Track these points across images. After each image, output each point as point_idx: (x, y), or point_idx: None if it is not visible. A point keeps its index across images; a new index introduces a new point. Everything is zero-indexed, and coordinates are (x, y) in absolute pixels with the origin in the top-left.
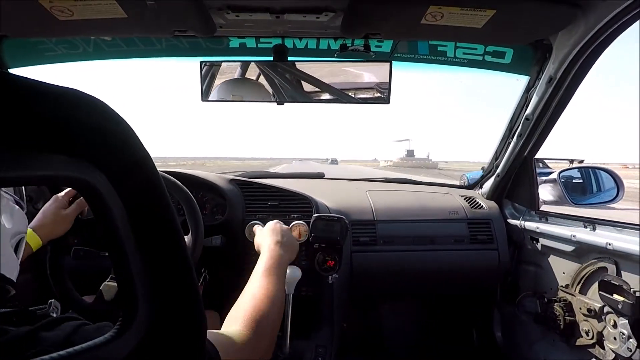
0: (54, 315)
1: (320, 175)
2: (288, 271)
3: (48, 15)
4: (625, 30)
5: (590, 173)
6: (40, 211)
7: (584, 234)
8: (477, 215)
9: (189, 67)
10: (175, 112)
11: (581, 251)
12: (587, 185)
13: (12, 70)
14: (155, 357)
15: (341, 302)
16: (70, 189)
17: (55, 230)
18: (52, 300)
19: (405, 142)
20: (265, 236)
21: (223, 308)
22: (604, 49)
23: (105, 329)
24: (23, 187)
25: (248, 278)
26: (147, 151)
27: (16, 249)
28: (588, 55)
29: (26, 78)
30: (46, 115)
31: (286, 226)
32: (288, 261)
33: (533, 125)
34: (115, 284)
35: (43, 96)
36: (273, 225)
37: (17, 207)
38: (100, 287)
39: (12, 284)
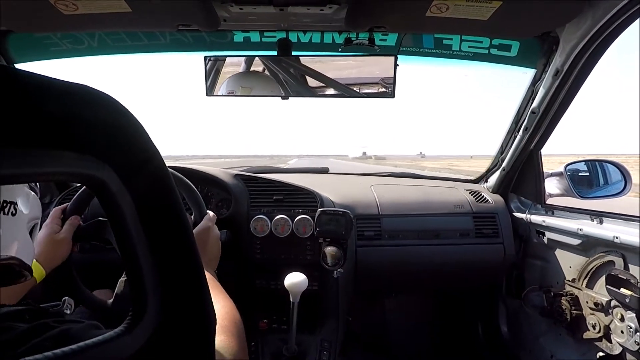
0: (68, 312)
1: (324, 170)
2: (294, 281)
3: (53, 10)
4: (633, 22)
5: (597, 166)
6: (36, 243)
7: (591, 228)
8: (482, 209)
9: (193, 62)
10: (180, 107)
11: (588, 245)
12: (593, 178)
13: (18, 66)
14: (165, 351)
15: (346, 296)
16: (55, 211)
17: (56, 256)
18: (66, 297)
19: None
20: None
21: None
22: (612, 42)
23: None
24: None
25: (251, 272)
26: (156, 147)
27: (31, 233)
28: (595, 48)
29: (34, 74)
30: (55, 111)
31: (204, 226)
32: (212, 269)
33: (539, 119)
34: None
35: (52, 92)
36: (205, 243)
37: (32, 192)
38: (117, 284)
39: (29, 270)
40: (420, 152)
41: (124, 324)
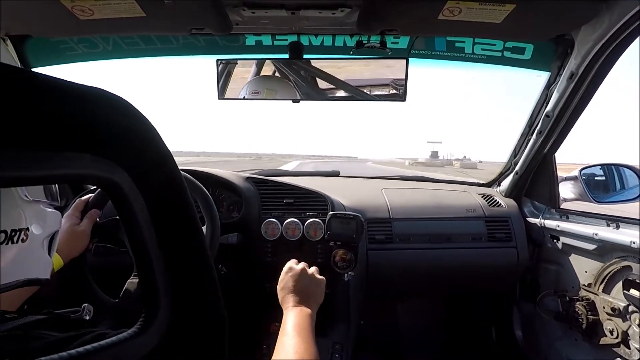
0: (87, 318)
1: (335, 173)
2: None
3: (69, 15)
4: None
5: (613, 170)
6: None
7: (607, 232)
8: (495, 213)
9: (205, 65)
10: (193, 109)
11: (604, 250)
12: (609, 182)
13: (35, 70)
14: (179, 351)
15: (357, 299)
16: (77, 203)
17: (75, 248)
18: (86, 304)
19: (433, 144)
20: (287, 293)
21: (237, 305)
22: (629, 44)
23: None
24: (54, 186)
25: (262, 275)
26: (168, 150)
27: (50, 243)
28: (612, 51)
29: (51, 77)
30: (70, 114)
31: (308, 271)
32: (314, 306)
33: (554, 122)
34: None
35: (67, 95)
36: (293, 279)
37: (49, 209)
38: (125, 285)
39: (47, 282)
40: (464, 156)
41: (138, 324)
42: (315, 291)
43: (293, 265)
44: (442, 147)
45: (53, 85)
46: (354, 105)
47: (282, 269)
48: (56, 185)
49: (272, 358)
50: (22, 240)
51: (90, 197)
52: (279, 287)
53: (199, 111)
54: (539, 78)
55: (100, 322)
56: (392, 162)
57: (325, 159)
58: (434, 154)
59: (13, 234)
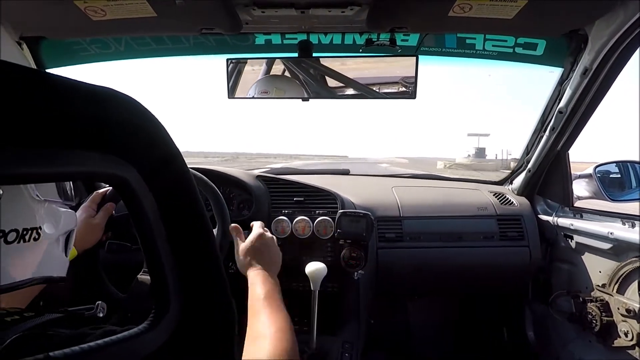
0: (101, 315)
1: (345, 172)
2: (313, 268)
3: (82, 16)
4: None
5: (628, 167)
6: None
7: (622, 231)
8: (507, 211)
9: (215, 65)
10: (203, 108)
11: (619, 249)
12: (625, 180)
13: (49, 71)
14: (188, 347)
15: (367, 298)
16: (94, 195)
17: (88, 239)
18: (100, 302)
19: (477, 137)
20: (244, 261)
21: (245, 302)
22: None
23: None
24: (68, 186)
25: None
26: (177, 148)
27: (67, 242)
28: (626, 46)
29: (62, 77)
30: (81, 113)
31: (258, 233)
32: (276, 275)
33: (567, 119)
34: (148, 277)
35: (78, 95)
36: (247, 245)
37: (63, 209)
38: (134, 281)
39: (63, 280)
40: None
41: (148, 320)
42: (278, 260)
43: (265, 233)
44: (488, 142)
45: (65, 85)
46: (355, 101)
47: (291, 267)
48: (70, 184)
49: (248, 333)
50: (35, 239)
51: (108, 190)
52: (243, 249)
53: (188, 110)
54: (551, 74)
55: (113, 318)
56: (394, 161)
57: (315, 159)
58: (480, 152)
59: (25, 232)
